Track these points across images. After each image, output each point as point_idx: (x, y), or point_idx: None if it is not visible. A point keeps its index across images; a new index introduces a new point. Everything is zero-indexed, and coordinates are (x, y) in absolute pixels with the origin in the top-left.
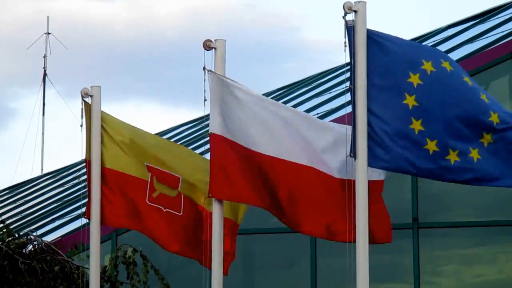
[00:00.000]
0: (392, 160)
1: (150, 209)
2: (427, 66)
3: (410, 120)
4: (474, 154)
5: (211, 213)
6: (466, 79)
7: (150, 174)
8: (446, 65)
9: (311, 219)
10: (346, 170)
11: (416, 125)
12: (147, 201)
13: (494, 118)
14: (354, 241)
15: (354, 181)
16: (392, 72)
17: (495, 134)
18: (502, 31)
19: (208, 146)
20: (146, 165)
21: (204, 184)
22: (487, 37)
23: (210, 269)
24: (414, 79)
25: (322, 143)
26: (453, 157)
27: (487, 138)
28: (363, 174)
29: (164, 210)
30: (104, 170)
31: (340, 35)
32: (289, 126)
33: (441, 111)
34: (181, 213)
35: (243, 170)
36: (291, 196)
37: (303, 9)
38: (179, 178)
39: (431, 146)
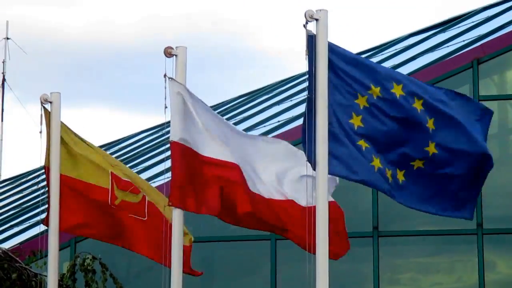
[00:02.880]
0: (346, 169)
1: (114, 215)
2: (375, 91)
3: (358, 137)
4: (400, 176)
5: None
6: (417, 104)
7: (111, 181)
8: (397, 89)
9: (270, 225)
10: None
11: (363, 143)
12: (112, 205)
13: (430, 149)
14: (314, 252)
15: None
16: (343, 89)
17: (426, 162)
18: (463, 40)
19: (168, 153)
20: (110, 172)
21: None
22: (448, 46)
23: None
24: (361, 101)
25: (280, 168)
26: (389, 175)
27: (418, 163)
28: (323, 182)
29: (129, 215)
30: (63, 177)
31: (296, 43)
32: (246, 146)
33: (382, 135)
34: (145, 218)
35: (201, 179)
36: (249, 206)
37: (260, 16)
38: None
39: (376, 163)
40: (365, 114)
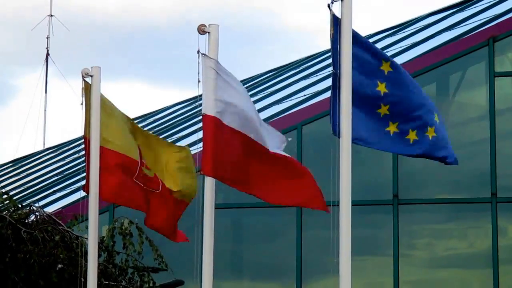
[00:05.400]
0: (365, 138)
1: (136, 186)
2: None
3: (379, 105)
4: (430, 132)
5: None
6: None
7: (139, 154)
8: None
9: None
10: None
11: (383, 110)
12: (134, 179)
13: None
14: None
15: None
16: (367, 59)
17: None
18: (480, 20)
19: (200, 124)
20: (138, 144)
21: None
22: (466, 25)
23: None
24: (385, 67)
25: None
26: (412, 137)
27: (436, 119)
28: (347, 152)
29: (144, 188)
30: (100, 149)
31: (321, 20)
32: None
33: (406, 96)
34: (159, 190)
35: (231, 151)
36: (270, 178)
37: None
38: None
39: (392, 128)
40: (389, 80)
